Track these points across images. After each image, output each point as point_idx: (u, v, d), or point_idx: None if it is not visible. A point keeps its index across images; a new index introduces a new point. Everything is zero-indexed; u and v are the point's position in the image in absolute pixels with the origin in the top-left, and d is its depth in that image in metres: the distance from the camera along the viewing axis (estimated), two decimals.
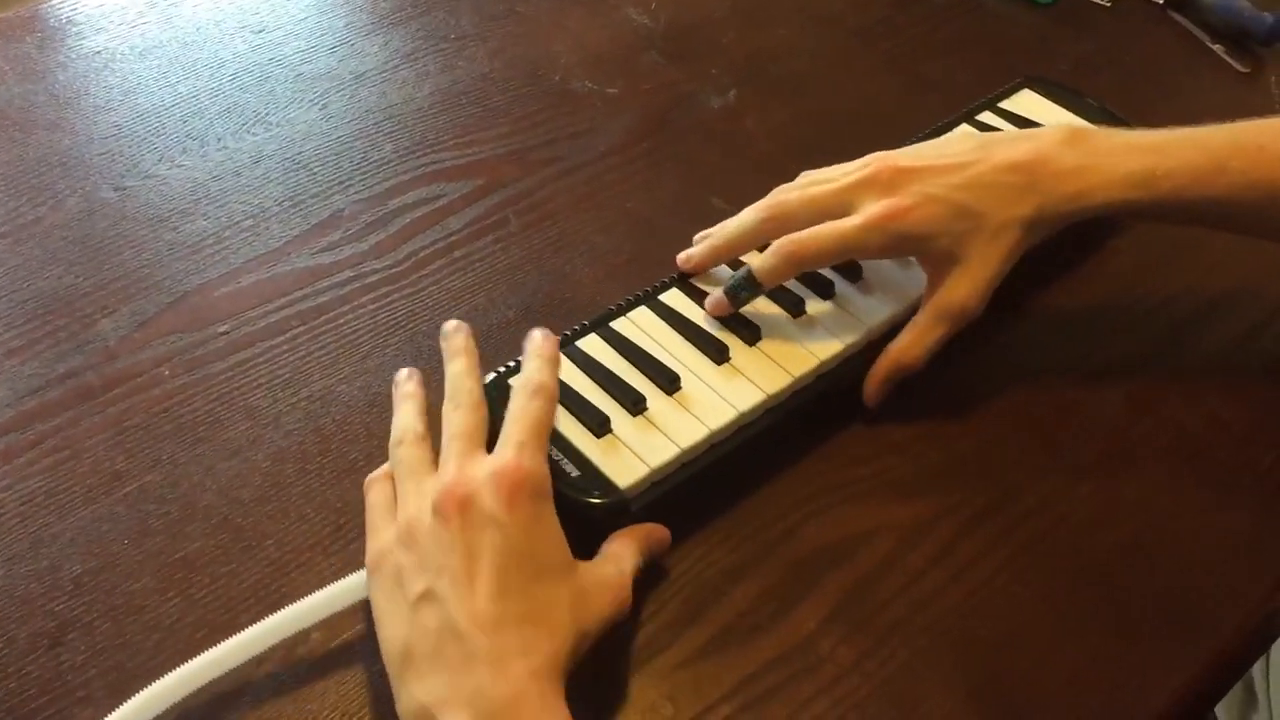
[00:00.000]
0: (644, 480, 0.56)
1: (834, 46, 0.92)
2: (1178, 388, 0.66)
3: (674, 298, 0.64)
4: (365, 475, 0.60)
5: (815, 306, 0.64)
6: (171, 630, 0.55)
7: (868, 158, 0.63)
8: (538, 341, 0.57)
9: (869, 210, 0.59)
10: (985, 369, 0.67)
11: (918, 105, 0.85)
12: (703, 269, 0.65)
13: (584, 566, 0.51)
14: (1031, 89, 0.80)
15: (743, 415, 0.59)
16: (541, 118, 0.83)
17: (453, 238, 0.73)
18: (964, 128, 0.75)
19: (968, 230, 0.59)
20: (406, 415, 0.56)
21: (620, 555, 0.53)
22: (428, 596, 0.48)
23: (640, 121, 0.83)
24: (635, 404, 0.58)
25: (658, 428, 0.58)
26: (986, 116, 0.77)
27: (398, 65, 0.86)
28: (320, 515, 0.59)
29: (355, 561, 0.57)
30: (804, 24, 0.93)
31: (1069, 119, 0.76)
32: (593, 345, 0.61)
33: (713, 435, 0.58)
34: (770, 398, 0.60)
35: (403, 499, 0.52)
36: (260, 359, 0.66)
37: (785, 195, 0.63)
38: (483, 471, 0.50)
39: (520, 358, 0.58)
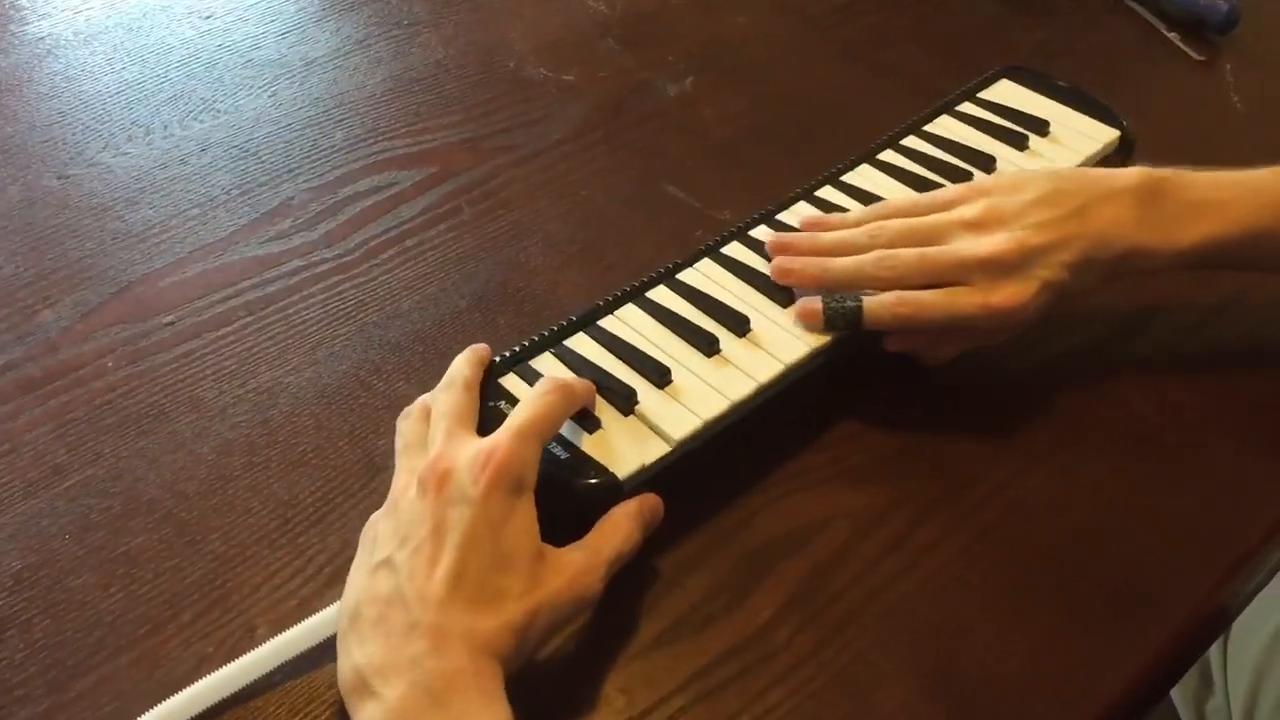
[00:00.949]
0: (640, 473, 0.55)
1: (791, 34, 0.91)
2: (1131, 375, 0.66)
3: (661, 294, 0.63)
4: (314, 468, 0.60)
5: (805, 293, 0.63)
6: (113, 627, 0.53)
7: (980, 213, 0.61)
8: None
9: (993, 297, 0.59)
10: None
11: (876, 92, 0.85)
12: (796, 284, 0.63)
13: (552, 554, 0.50)
14: (1009, 79, 0.80)
15: (736, 406, 0.58)
16: (496, 105, 0.82)
17: (404, 226, 0.72)
18: (1055, 171, 0.70)
19: (1056, 305, 0.61)
20: (436, 393, 0.56)
21: (600, 544, 0.52)
22: (387, 563, 0.48)
23: (596, 109, 0.82)
24: (627, 400, 0.57)
25: (649, 423, 0.57)
26: (967, 107, 0.77)
27: (349, 52, 0.85)
28: (267, 509, 0.58)
29: (303, 555, 0.56)
30: (761, 12, 0.93)
31: (1048, 106, 0.76)
32: (581, 344, 0.60)
33: (707, 426, 0.57)
34: (763, 387, 0.59)
35: (398, 471, 0.53)
36: (206, 350, 0.65)
37: (901, 255, 0.61)
38: (468, 450, 0.50)
39: (521, 345, 0.59)
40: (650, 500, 0.55)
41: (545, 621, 0.49)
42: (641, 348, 0.60)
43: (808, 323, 0.61)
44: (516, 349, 0.60)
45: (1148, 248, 0.61)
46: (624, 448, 0.56)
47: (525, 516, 0.50)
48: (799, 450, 0.62)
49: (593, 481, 0.54)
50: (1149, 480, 0.61)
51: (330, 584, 0.55)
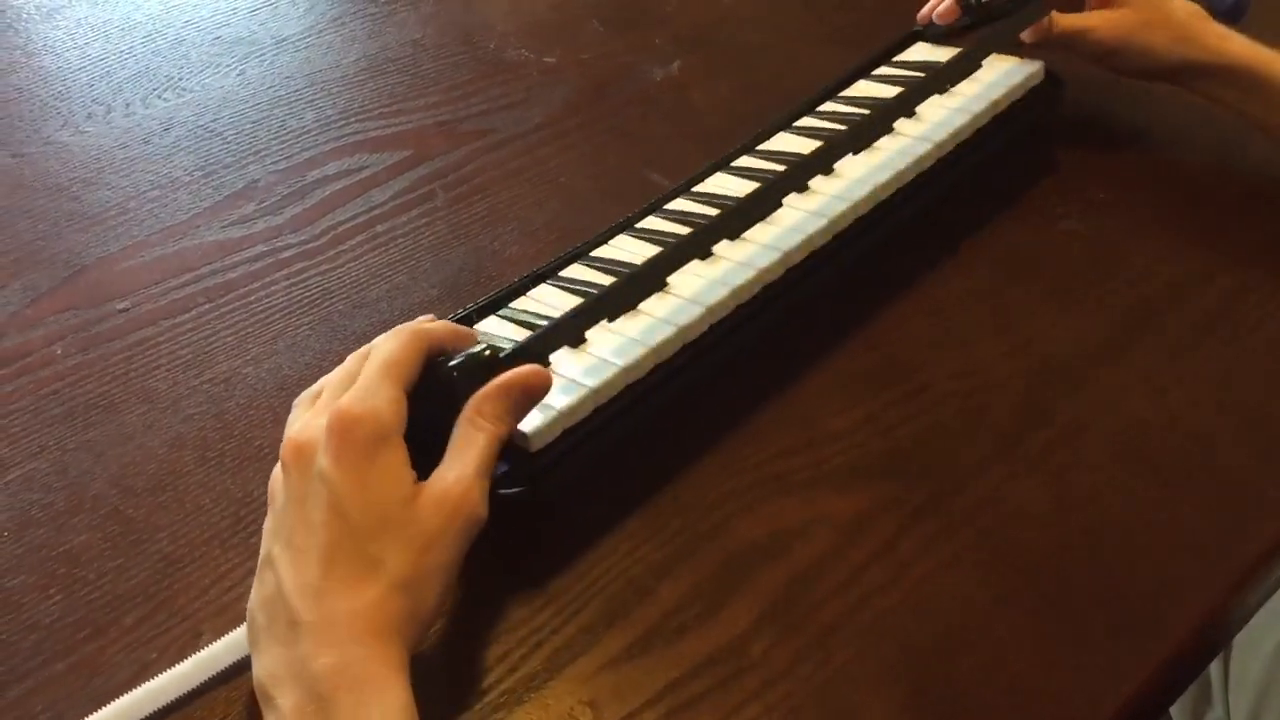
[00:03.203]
0: (552, 426, 0.52)
1: (786, 18, 0.88)
2: (1131, 378, 0.63)
3: (577, 270, 0.61)
4: (270, 463, 0.56)
5: (724, 248, 0.61)
6: (51, 630, 0.50)
7: None
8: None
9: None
10: (927, 353, 0.63)
11: None
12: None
13: (425, 489, 0.46)
14: (923, 42, 0.78)
15: (656, 350, 0.55)
16: (474, 87, 0.79)
17: (375, 211, 0.69)
18: None
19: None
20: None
21: (465, 446, 0.48)
22: (269, 562, 0.45)
23: (578, 92, 0.79)
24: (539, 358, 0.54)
25: (562, 375, 0.54)
26: (884, 70, 0.76)
27: (323, 30, 0.82)
28: (219, 506, 0.55)
29: (255, 556, 0.52)
30: None
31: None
32: (491, 325, 0.58)
33: (626, 373, 0.54)
34: (682, 331, 0.56)
35: None
36: (161, 338, 0.62)
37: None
38: (324, 421, 0.46)
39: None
40: (519, 377, 0.50)
41: (435, 564, 0.45)
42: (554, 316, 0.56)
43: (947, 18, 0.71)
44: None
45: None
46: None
47: (390, 465, 0.46)
48: (779, 451, 0.59)
49: (460, 361, 0.49)
50: (1147, 490, 0.58)
51: None
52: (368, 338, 0.61)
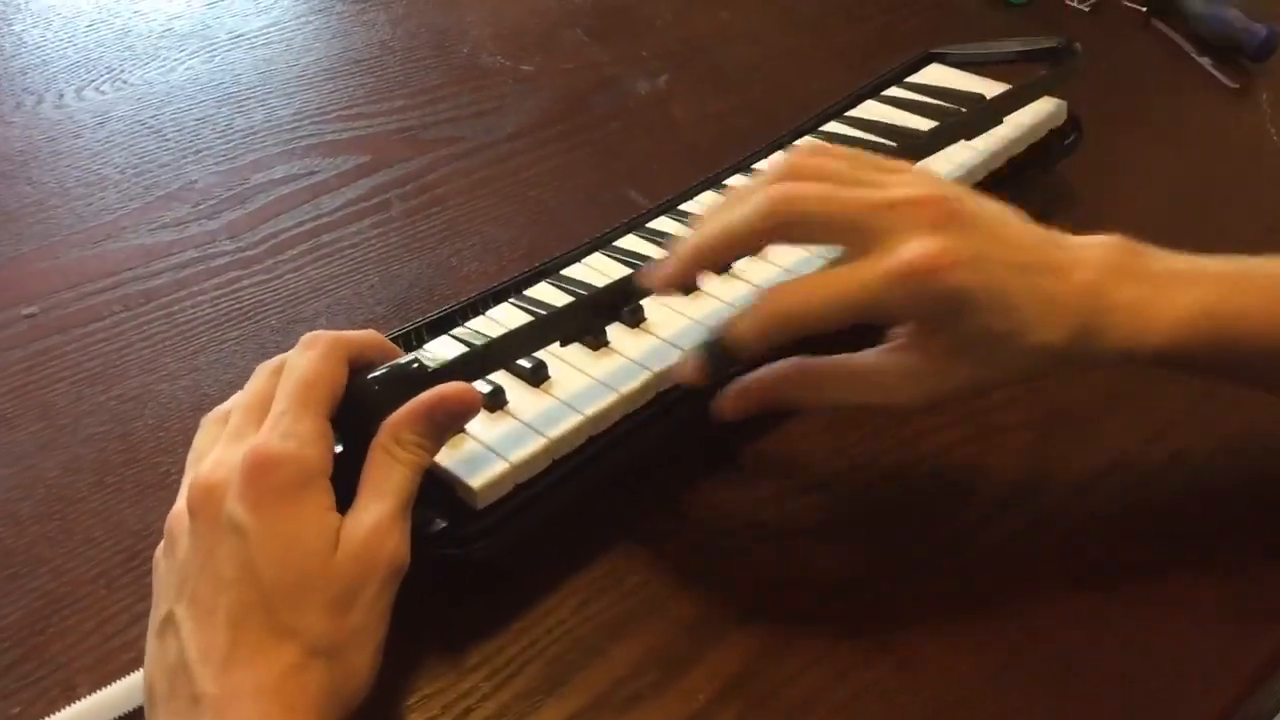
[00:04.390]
0: (502, 480, 0.45)
1: (782, 34, 0.83)
2: (1146, 433, 0.57)
3: (543, 290, 0.54)
4: (175, 490, 0.49)
5: (711, 284, 0.53)
6: None
7: (911, 167, 0.47)
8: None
9: (904, 252, 0.43)
10: None
11: None
12: (674, 286, 0.47)
13: (344, 535, 0.40)
14: (938, 64, 0.72)
15: (626, 399, 0.49)
16: (443, 93, 0.73)
17: (322, 220, 0.63)
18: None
19: (998, 334, 0.44)
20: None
21: (381, 480, 0.42)
22: (169, 623, 0.39)
23: (556, 103, 0.74)
24: (493, 397, 0.48)
25: (519, 420, 0.47)
26: (894, 91, 0.69)
27: (284, 27, 0.76)
28: (112, 539, 0.49)
29: (148, 598, 0.46)
30: (751, 8, 0.85)
31: (983, 85, 0.68)
32: (440, 346, 0.51)
33: (592, 423, 0.48)
34: (658, 377, 0.50)
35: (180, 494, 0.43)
36: (69, 348, 0.55)
37: (801, 188, 0.45)
38: (232, 460, 0.40)
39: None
40: (442, 395, 0.43)
41: (359, 626, 0.39)
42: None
43: (695, 379, 0.47)
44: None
45: (1133, 306, 0.45)
46: (485, 451, 0.46)
47: (311, 515, 0.39)
48: (754, 501, 0.52)
49: (382, 373, 0.43)
50: (1167, 564, 0.52)
51: None
52: None
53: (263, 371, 0.44)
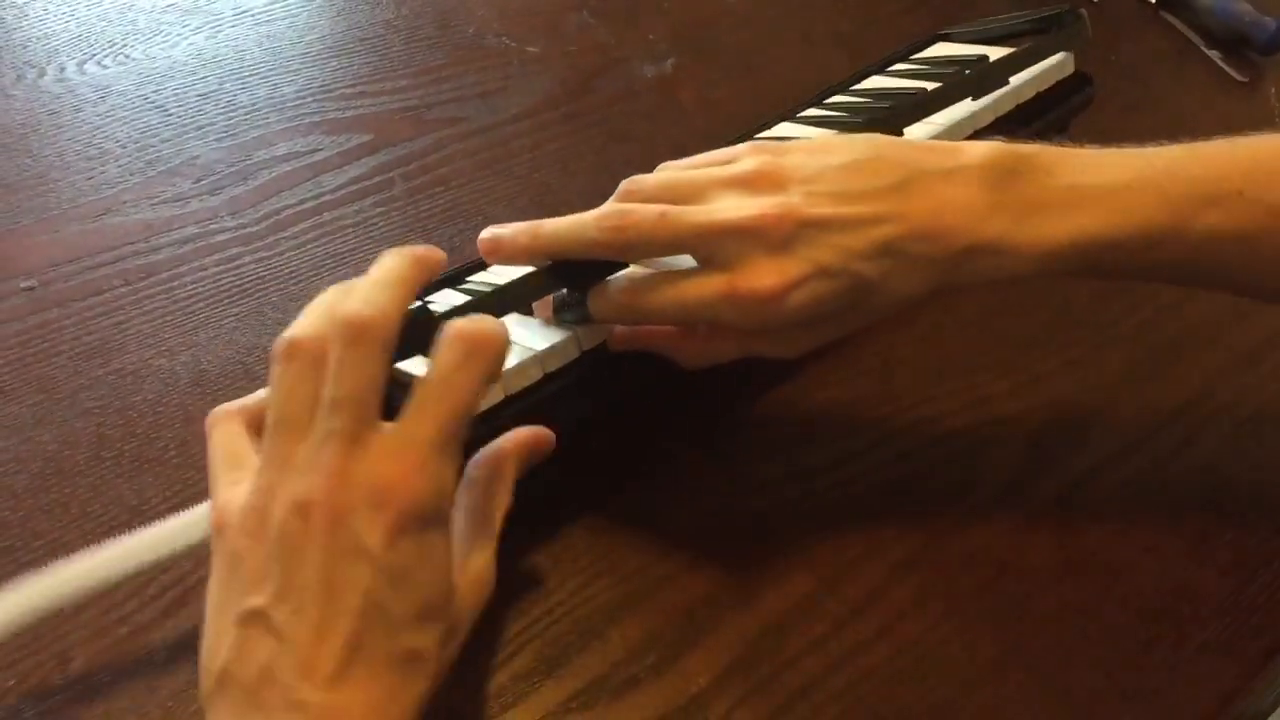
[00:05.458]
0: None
1: (788, 20, 0.82)
2: (1153, 424, 0.56)
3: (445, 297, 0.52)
4: (173, 468, 0.50)
5: None
6: None
7: (757, 169, 0.45)
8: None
9: (740, 276, 0.43)
10: (922, 384, 0.57)
11: None
12: (506, 260, 0.48)
13: (463, 569, 0.41)
14: (945, 41, 0.72)
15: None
16: (447, 72, 0.72)
17: (324, 198, 0.63)
18: (881, 137, 0.51)
19: (850, 305, 0.45)
20: (317, 310, 0.40)
21: (489, 514, 0.43)
22: (261, 619, 0.36)
23: (561, 85, 0.73)
24: None
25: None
26: (901, 66, 0.69)
27: (288, 3, 0.75)
28: (108, 513, 0.48)
29: (144, 572, 0.46)
30: None
31: (985, 51, 0.67)
32: (445, 297, 0.51)
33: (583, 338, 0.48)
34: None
35: (265, 456, 0.38)
36: (67, 322, 0.55)
37: (637, 211, 0.45)
38: (367, 480, 0.37)
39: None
40: (530, 439, 0.45)
41: (458, 649, 0.41)
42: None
43: (544, 317, 0.49)
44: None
45: (999, 243, 0.45)
46: None
47: (440, 557, 0.39)
48: (754, 485, 0.52)
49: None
50: (1169, 547, 0.51)
51: (172, 610, 0.45)
52: None
53: (360, 345, 0.38)
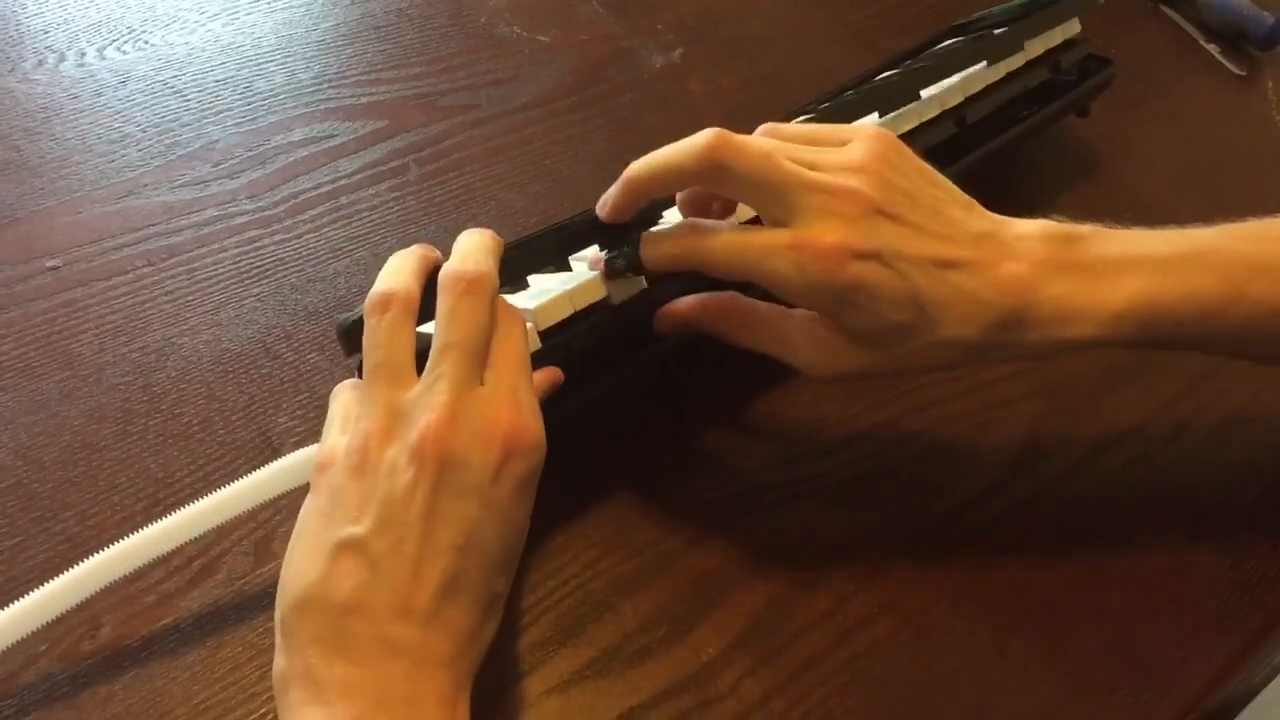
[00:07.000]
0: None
1: (798, 12, 0.83)
2: (1150, 406, 0.58)
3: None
4: (198, 443, 0.51)
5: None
6: None
7: (868, 152, 0.46)
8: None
9: (807, 231, 0.44)
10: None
11: None
12: (620, 213, 0.48)
13: None
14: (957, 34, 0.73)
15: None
16: (460, 61, 0.74)
17: (340, 182, 0.64)
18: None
19: (897, 327, 0.45)
20: (402, 268, 0.44)
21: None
22: (360, 549, 0.38)
23: (571, 74, 0.74)
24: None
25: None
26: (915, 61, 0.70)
27: None
28: (135, 485, 0.49)
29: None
30: None
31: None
32: None
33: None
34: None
35: (369, 401, 0.41)
36: (92, 300, 0.56)
37: (744, 140, 0.45)
38: (480, 420, 0.40)
39: None
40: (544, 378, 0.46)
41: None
42: None
43: (595, 270, 0.49)
44: None
45: (1061, 302, 0.45)
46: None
47: (530, 500, 0.42)
48: (763, 465, 0.53)
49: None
50: (1167, 527, 0.53)
51: (198, 580, 0.47)
52: (320, 315, 0.57)
53: (475, 294, 0.42)
